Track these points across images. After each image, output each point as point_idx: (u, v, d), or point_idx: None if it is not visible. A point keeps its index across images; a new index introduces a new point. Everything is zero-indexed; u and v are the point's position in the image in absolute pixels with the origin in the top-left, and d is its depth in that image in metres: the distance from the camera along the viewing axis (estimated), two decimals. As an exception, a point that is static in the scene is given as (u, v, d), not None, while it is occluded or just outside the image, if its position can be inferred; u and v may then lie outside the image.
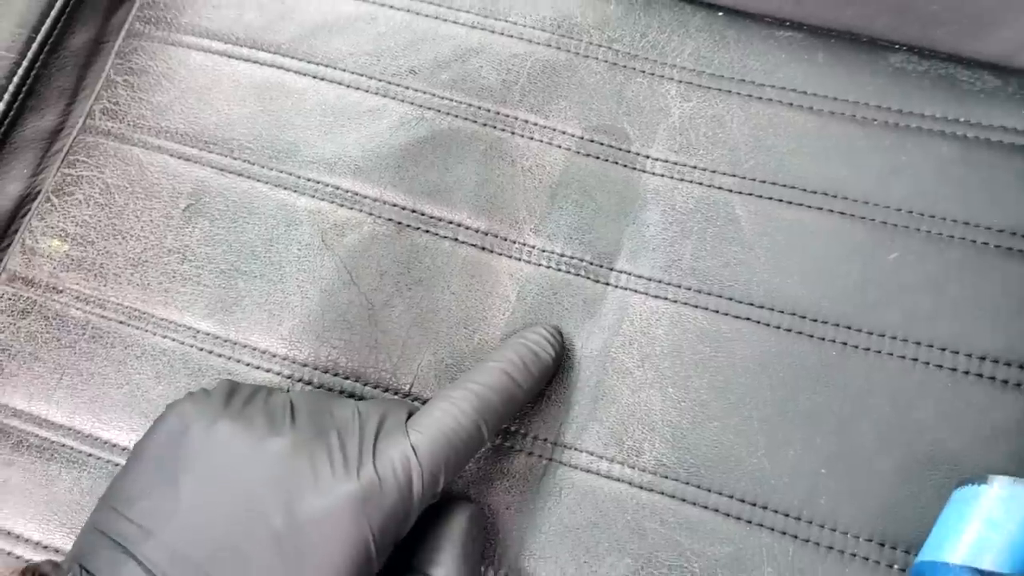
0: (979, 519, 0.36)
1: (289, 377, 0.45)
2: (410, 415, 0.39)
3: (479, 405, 0.39)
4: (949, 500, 0.38)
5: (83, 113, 0.53)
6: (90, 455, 0.44)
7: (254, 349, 0.45)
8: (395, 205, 0.47)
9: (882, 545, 0.40)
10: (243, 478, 0.35)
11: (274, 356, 0.45)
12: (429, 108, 0.49)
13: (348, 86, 0.50)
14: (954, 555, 0.36)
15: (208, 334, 0.46)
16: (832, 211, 0.45)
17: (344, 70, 0.50)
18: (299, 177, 0.48)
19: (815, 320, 0.43)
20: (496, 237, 0.47)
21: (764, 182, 0.46)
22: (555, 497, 0.42)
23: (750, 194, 0.46)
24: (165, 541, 0.34)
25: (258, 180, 0.48)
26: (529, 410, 0.44)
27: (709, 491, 0.42)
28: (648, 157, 0.47)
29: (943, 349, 0.42)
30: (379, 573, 0.36)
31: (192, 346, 0.46)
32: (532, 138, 0.48)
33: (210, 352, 0.45)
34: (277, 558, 0.34)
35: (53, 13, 0.53)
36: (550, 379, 0.44)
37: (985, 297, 0.43)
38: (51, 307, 0.47)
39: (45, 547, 0.44)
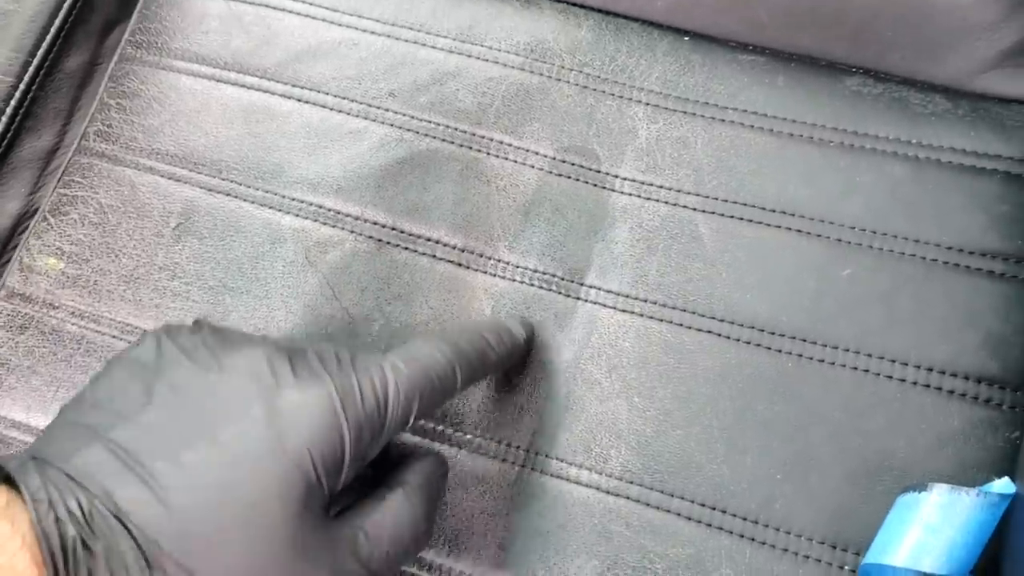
0: (920, 524, 0.38)
1: (274, 389, 0.47)
2: None
3: (455, 351, 0.40)
4: (893, 506, 0.40)
5: (78, 134, 0.55)
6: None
7: (240, 363, 0.48)
8: (375, 223, 0.50)
9: (834, 547, 0.42)
10: (220, 377, 0.36)
11: (259, 369, 0.47)
12: (408, 130, 0.51)
13: (331, 109, 0.52)
14: (896, 558, 0.38)
15: (197, 348, 0.48)
16: (790, 229, 0.47)
17: (327, 93, 0.52)
18: (284, 196, 0.50)
19: (773, 333, 0.45)
20: (472, 254, 0.49)
21: (726, 201, 0.48)
22: (527, 502, 0.45)
23: (713, 212, 0.48)
24: (137, 424, 0.35)
25: (244, 200, 0.51)
26: (502, 418, 0.46)
27: (672, 496, 0.44)
28: (617, 177, 0.49)
29: (893, 361, 0.44)
30: (344, 489, 0.37)
31: (181, 360, 0.48)
32: (506, 158, 0.50)
33: (199, 365, 0.48)
34: (254, 443, 0.34)
35: (48, 37, 0.56)
36: (521, 359, 0.46)
37: (934, 311, 0.45)
38: (48, 323, 0.49)
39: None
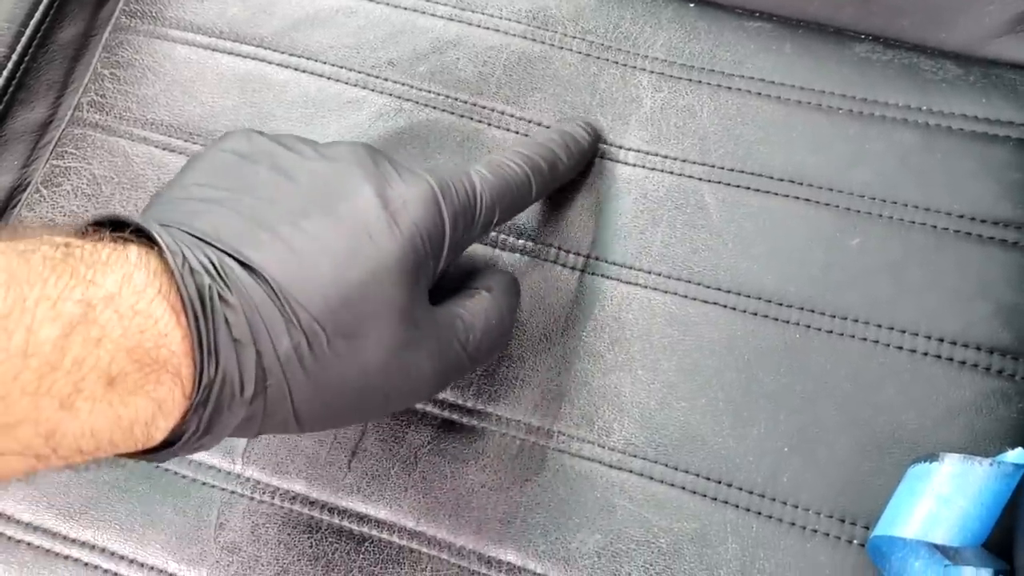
0: (931, 495, 0.37)
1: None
2: None
3: (530, 162, 0.43)
4: (904, 477, 0.39)
5: (72, 106, 0.54)
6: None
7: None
8: (374, 194, 0.49)
9: (842, 521, 0.41)
10: (324, 164, 0.38)
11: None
12: (407, 100, 0.50)
13: (328, 78, 0.51)
14: (907, 530, 0.37)
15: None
16: (798, 198, 0.46)
17: (325, 62, 0.51)
18: (280, 167, 0.49)
19: (780, 304, 0.45)
20: (472, 225, 0.48)
21: (732, 170, 0.47)
22: (528, 475, 0.44)
23: (719, 182, 0.47)
24: (253, 196, 0.36)
25: (241, 170, 0.50)
26: (503, 391, 0.45)
27: (676, 469, 0.43)
28: (621, 147, 0.49)
29: (903, 331, 0.43)
30: (435, 291, 0.39)
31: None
32: (508, 129, 0.49)
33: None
34: (371, 217, 0.36)
35: (41, 8, 0.55)
36: (588, 163, 0.48)
37: (944, 281, 0.44)
38: (40, 295, 0.48)
39: (35, 528, 0.45)
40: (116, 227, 0.33)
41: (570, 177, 0.47)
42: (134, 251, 0.31)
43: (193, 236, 0.34)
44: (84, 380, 0.28)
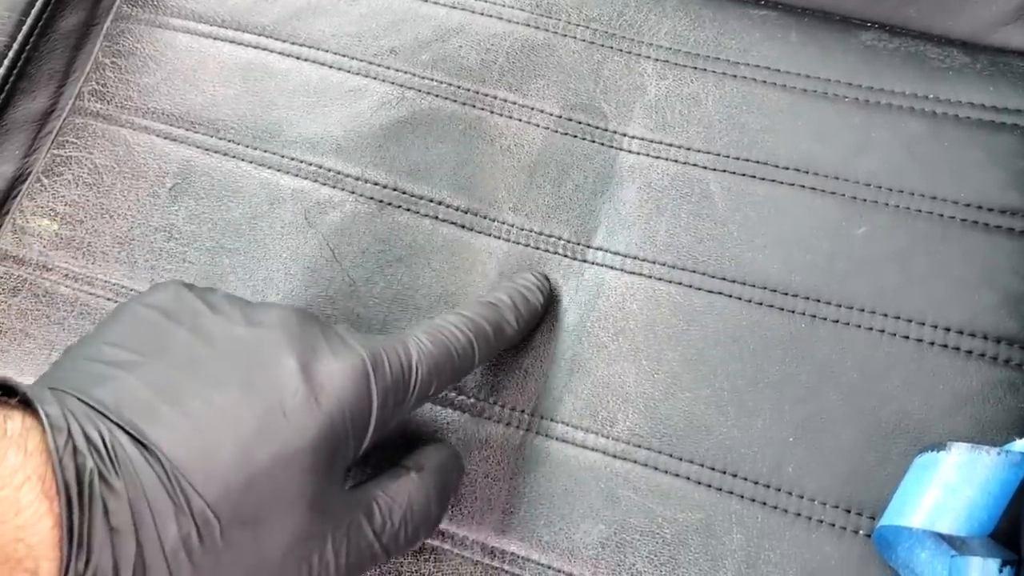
0: (938, 484, 0.37)
1: (272, 351, 0.46)
2: None
3: (473, 327, 0.41)
4: (910, 467, 0.39)
5: (73, 95, 0.54)
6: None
7: (238, 324, 0.46)
8: (376, 184, 0.48)
9: (848, 511, 0.41)
10: (249, 331, 0.36)
11: (257, 331, 0.46)
12: (410, 88, 0.50)
13: (330, 67, 0.51)
14: (914, 519, 0.37)
15: (193, 310, 0.47)
16: (803, 186, 0.46)
17: (327, 51, 0.51)
18: (282, 156, 0.49)
19: (785, 293, 0.44)
20: (475, 215, 0.48)
21: (738, 159, 0.47)
22: (531, 466, 0.44)
23: (724, 171, 0.47)
24: (166, 363, 0.34)
25: (242, 159, 0.49)
26: (507, 382, 0.45)
27: (680, 460, 0.43)
28: (625, 135, 0.48)
29: (909, 320, 0.43)
30: (360, 465, 0.37)
31: (178, 321, 0.47)
32: (511, 117, 0.49)
33: (195, 327, 0.47)
34: (290, 393, 0.34)
35: (42, -4, 0.55)
36: (537, 323, 0.45)
37: (950, 270, 0.43)
38: (41, 285, 0.48)
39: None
40: (7, 391, 0.31)
41: (519, 340, 0.44)
42: (17, 423, 0.29)
43: (89, 406, 0.32)
44: None
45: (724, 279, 0.45)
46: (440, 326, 0.40)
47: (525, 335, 0.45)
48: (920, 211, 0.44)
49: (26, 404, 0.31)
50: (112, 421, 0.31)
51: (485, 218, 0.48)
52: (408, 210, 0.48)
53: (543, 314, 0.45)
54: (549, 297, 0.46)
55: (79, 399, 0.32)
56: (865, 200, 0.45)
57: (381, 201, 0.48)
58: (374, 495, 0.37)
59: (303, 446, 0.33)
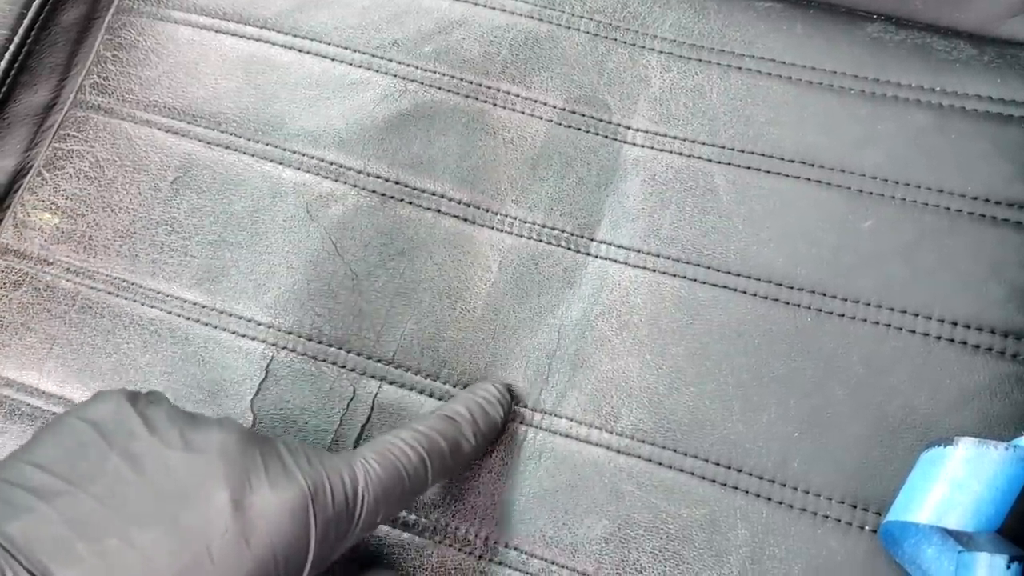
0: (945, 480, 0.37)
1: (274, 344, 0.46)
2: None
3: (426, 444, 0.38)
4: (917, 462, 0.39)
5: (75, 88, 0.53)
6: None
7: (239, 318, 0.46)
8: (379, 177, 0.48)
9: (854, 507, 0.41)
10: (185, 457, 0.34)
11: (259, 324, 0.46)
12: (412, 81, 0.50)
13: (333, 59, 0.50)
14: (920, 515, 0.37)
15: (195, 303, 0.47)
16: (809, 179, 0.45)
17: (329, 43, 0.51)
18: (284, 149, 0.49)
19: (791, 287, 0.44)
20: (478, 208, 0.47)
21: (742, 151, 0.46)
22: (535, 462, 0.43)
23: (728, 164, 0.46)
24: (88, 493, 0.32)
25: (244, 153, 0.49)
26: (510, 377, 0.45)
27: (685, 455, 0.43)
28: (629, 128, 0.48)
29: (916, 314, 0.43)
30: None
31: (179, 315, 0.46)
32: (514, 109, 0.49)
33: (196, 321, 0.46)
34: (217, 533, 0.32)
35: (43, -10, 0.54)
36: (497, 437, 0.43)
37: (957, 263, 0.43)
38: (42, 279, 0.48)
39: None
40: None
41: (476, 458, 0.43)
42: None
43: (1, 547, 0.30)
44: None
45: (729, 273, 0.45)
46: (391, 444, 0.38)
47: (483, 452, 0.43)
48: (926, 204, 0.44)
49: None
50: (19, 564, 0.30)
51: (488, 211, 0.47)
52: (410, 203, 0.48)
53: (502, 430, 0.43)
54: (509, 410, 0.44)
55: None
56: (871, 193, 0.45)
57: (383, 194, 0.48)
58: None
59: None
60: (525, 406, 0.44)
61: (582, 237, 0.46)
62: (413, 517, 0.43)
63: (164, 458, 0.33)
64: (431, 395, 0.45)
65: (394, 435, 0.38)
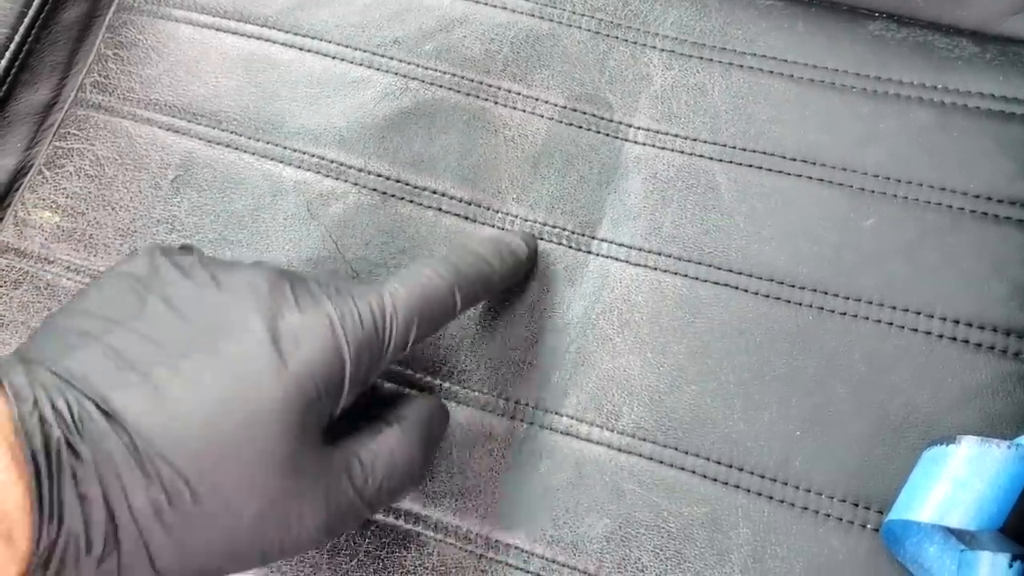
0: (947, 478, 0.37)
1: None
2: None
3: (454, 273, 0.39)
4: (919, 460, 0.39)
5: (75, 87, 0.53)
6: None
7: (240, 316, 0.46)
8: (380, 175, 0.48)
9: (856, 505, 0.41)
10: (218, 294, 0.36)
11: (260, 323, 0.46)
12: (413, 79, 0.50)
13: (333, 57, 0.50)
14: (922, 514, 0.37)
15: (195, 302, 0.47)
16: (810, 178, 0.45)
17: (330, 41, 0.51)
18: (285, 148, 0.49)
19: (792, 285, 0.44)
20: (479, 207, 0.47)
21: (744, 150, 0.46)
22: (535, 460, 0.43)
23: (730, 162, 0.46)
24: (133, 330, 0.34)
25: (245, 151, 0.49)
26: (511, 375, 0.45)
27: (686, 453, 0.42)
28: (630, 126, 0.48)
29: (918, 313, 0.43)
30: (341, 422, 0.37)
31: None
32: (515, 108, 0.49)
33: (197, 320, 0.46)
34: (256, 359, 0.34)
35: (44, -12, 0.54)
36: (523, 278, 0.45)
37: (960, 261, 0.43)
38: (43, 277, 0.48)
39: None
40: None
41: (503, 288, 0.44)
42: None
43: (58, 376, 0.32)
44: None
45: (730, 271, 0.45)
46: (417, 273, 0.39)
47: (509, 284, 0.44)
48: (928, 202, 0.44)
49: None
50: (79, 391, 0.32)
51: (489, 209, 0.47)
52: (411, 202, 0.48)
53: (530, 267, 0.45)
54: (535, 250, 0.45)
55: (48, 370, 0.32)
56: (873, 191, 0.44)
57: (384, 193, 0.48)
58: (354, 451, 0.37)
59: (272, 410, 0.33)
60: (526, 404, 0.44)
61: (583, 235, 0.46)
62: (415, 513, 0.43)
63: (199, 298, 0.35)
64: (432, 395, 0.45)
65: (421, 263, 0.40)
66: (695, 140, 0.47)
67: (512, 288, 0.46)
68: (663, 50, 0.49)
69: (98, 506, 0.30)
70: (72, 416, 0.31)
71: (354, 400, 0.37)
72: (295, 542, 0.35)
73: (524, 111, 0.48)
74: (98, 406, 0.31)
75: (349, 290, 0.37)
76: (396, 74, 0.50)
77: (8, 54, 0.53)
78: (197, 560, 0.33)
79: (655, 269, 0.45)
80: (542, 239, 0.46)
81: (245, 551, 0.34)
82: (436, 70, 0.50)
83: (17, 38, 0.53)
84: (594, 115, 0.48)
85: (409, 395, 0.41)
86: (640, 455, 0.43)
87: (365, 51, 0.50)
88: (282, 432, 0.33)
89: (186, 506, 0.32)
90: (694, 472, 0.42)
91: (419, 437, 0.39)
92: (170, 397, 0.32)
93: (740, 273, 0.44)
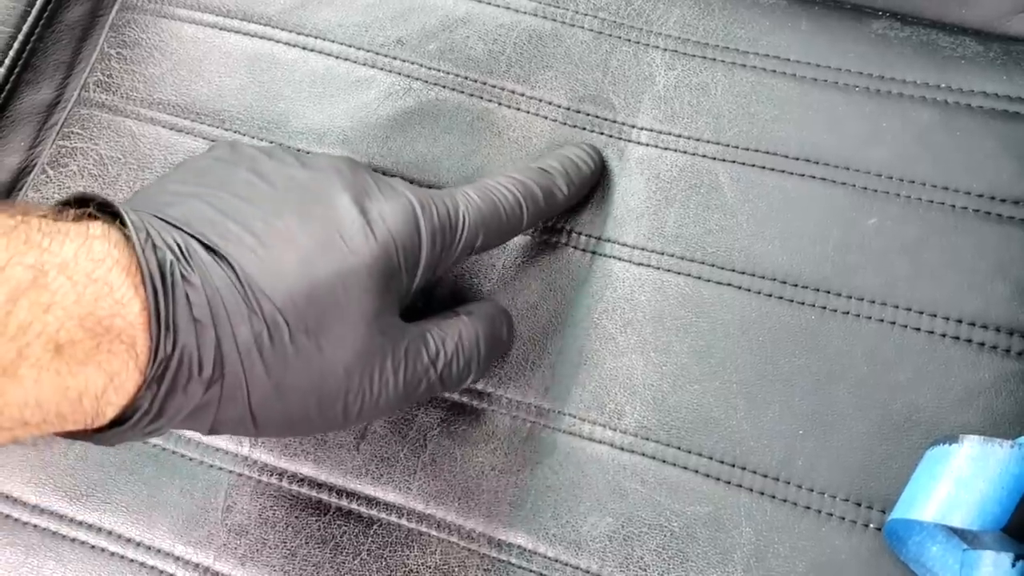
0: (950, 478, 0.37)
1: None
2: None
3: (522, 188, 0.42)
4: (921, 459, 0.39)
5: (78, 86, 0.53)
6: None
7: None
8: (384, 175, 0.48)
9: (858, 505, 0.41)
10: (304, 172, 0.38)
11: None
12: (416, 79, 0.50)
13: (337, 57, 0.50)
14: (925, 513, 0.37)
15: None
16: (813, 177, 0.45)
17: (333, 41, 0.51)
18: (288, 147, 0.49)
19: (795, 285, 0.44)
20: (482, 205, 0.47)
21: (747, 149, 0.46)
22: (538, 458, 0.43)
23: (733, 161, 0.46)
24: (230, 192, 0.36)
25: (248, 150, 0.49)
26: (514, 374, 0.45)
27: (689, 452, 0.42)
28: (633, 127, 0.48)
29: (921, 312, 0.42)
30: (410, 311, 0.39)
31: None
32: (519, 109, 0.49)
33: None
34: (346, 222, 0.36)
35: (47, -13, 0.54)
36: (589, 190, 0.46)
37: (963, 261, 0.43)
38: (46, 276, 0.48)
39: (42, 510, 0.45)
40: (82, 205, 0.32)
41: (570, 204, 0.45)
42: (97, 225, 0.31)
43: (162, 220, 0.33)
44: (29, 346, 0.27)
45: (733, 270, 0.45)
46: (489, 184, 0.41)
47: (575, 202, 0.45)
48: (932, 202, 0.44)
49: (104, 212, 0.32)
50: (185, 232, 0.33)
51: (492, 209, 0.47)
52: (415, 201, 0.48)
53: (593, 184, 0.46)
54: (600, 167, 0.46)
55: (153, 215, 0.33)
56: (876, 191, 0.44)
57: (387, 192, 0.48)
58: (428, 328, 0.39)
59: (360, 268, 0.35)
60: (529, 403, 0.44)
61: (587, 236, 0.46)
62: (418, 511, 0.43)
63: (287, 173, 0.37)
64: (434, 397, 0.45)
65: (491, 178, 0.42)
66: (698, 140, 0.47)
67: (515, 288, 0.46)
68: (666, 50, 0.49)
69: (209, 330, 0.32)
70: (181, 250, 0.32)
71: (424, 285, 0.39)
72: (375, 402, 0.37)
73: (527, 112, 0.49)
74: (203, 244, 0.33)
75: (423, 188, 0.39)
76: (399, 74, 0.50)
77: (11, 53, 0.53)
78: (287, 402, 0.34)
79: (658, 269, 0.45)
80: (547, 239, 0.46)
81: (331, 401, 0.36)
82: (439, 70, 0.50)
83: (20, 37, 0.53)
84: (597, 116, 0.48)
85: (479, 298, 0.45)
86: (643, 454, 0.43)
87: (368, 51, 0.50)
88: (369, 290, 0.35)
89: (284, 342, 0.33)
90: (697, 471, 0.42)
91: (484, 329, 0.41)
92: (268, 243, 0.34)
93: (743, 273, 0.44)
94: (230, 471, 0.45)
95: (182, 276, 0.31)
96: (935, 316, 0.42)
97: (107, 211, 0.32)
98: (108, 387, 0.30)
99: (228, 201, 0.35)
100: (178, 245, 0.32)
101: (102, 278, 0.29)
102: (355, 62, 0.50)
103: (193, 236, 0.33)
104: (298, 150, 0.49)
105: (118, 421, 0.31)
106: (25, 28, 0.53)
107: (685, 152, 0.47)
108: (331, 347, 0.35)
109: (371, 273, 0.35)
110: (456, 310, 0.42)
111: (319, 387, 0.35)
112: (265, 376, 0.33)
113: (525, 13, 0.50)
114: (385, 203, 0.37)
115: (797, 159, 0.46)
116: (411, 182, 0.48)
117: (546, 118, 0.48)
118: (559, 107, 0.49)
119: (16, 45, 0.53)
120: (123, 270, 0.30)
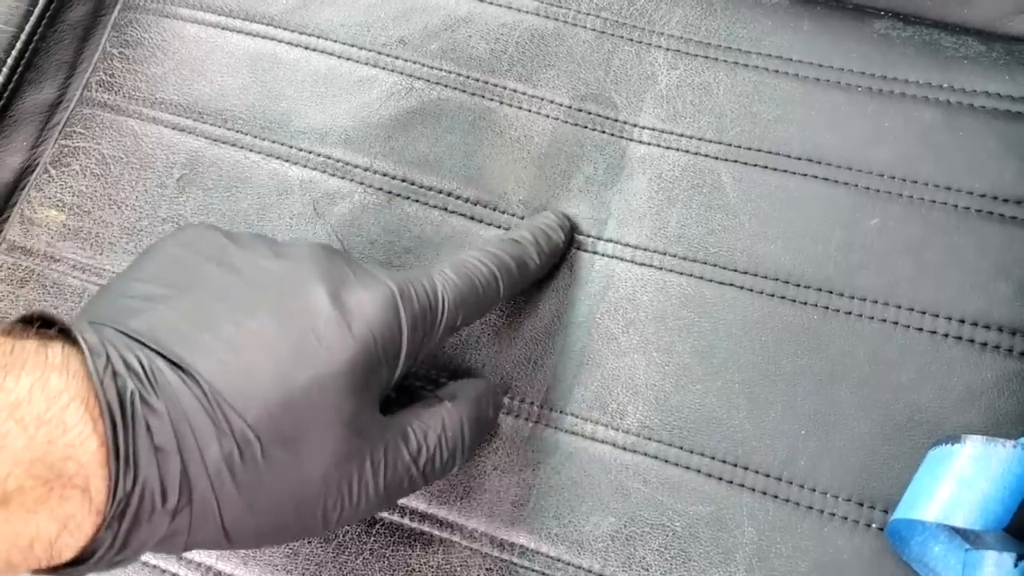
0: (952, 478, 0.37)
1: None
2: None
3: (497, 261, 0.41)
4: (924, 460, 0.39)
5: (81, 86, 0.53)
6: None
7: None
8: (385, 175, 0.48)
9: (860, 505, 0.41)
10: (278, 264, 0.36)
11: (266, 322, 0.46)
12: (419, 78, 0.50)
13: (339, 56, 0.50)
14: (927, 513, 0.37)
15: (201, 301, 0.47)
16: (816, 177, 0.45)
17: (335, 41, 0.51)
18: (291, 147, 0.49)
19: (797, 285, 0.44)
20: (484, 207, 0.47)
21: (749, 149, 0.46)
22: (540, 458, 0.43)
23: (735, 161, 0.46)
24: (199, 293, 0.35)
25: (250, 150, 0.49)
26: (516, 374, 0.45)
27: (691, 452, 0.42)
28: (635, 126, 0.48)
29: (923, 312, 0.42)
30: (391, 401, 0.38)
31: (185, 312, 0.46)
32: (520, 108, 0.49)
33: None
34: (322, 320, 0.34)
35: (50, -13, 0.54)
36: (560, 259, 0.46)
37: (965, 261, 0.43)
38: (49, 276, 0.48)
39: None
40: (45, 324, 0.32)
41: (542, 275, 0.45)
42: (57, 351, 0.30)
43: (125, 335, 0.32)
44: None
45: (735, 270, 0.45)
46: (464, 260, 0.41)
47: (546, 271, 0.45)
48: (934, 201, 0.44)
49: (65, 335, 0.31)
50: (150, 348, 0.32)
51: (494, 209, 0.47)
52: (417, 201, 0.48)
53: (564, 252, 0.46)
54: (570, 235, 0.46)
55: (116, 329, 0.32)
56: (878, 191, 0.44)
57: (390, 192, 0.48)
58: (408, 421, 0.38)
59: (338, 369, 0.34)
60: (531, 403, 0.44)
61: (589, 235, 0.46)
62: (420, 511, 0.43)
63: (258, 265, 0.36)
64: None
65: (466, 253, 0.41)
66: (700, 139, 0.47)
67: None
68: (668, 49, 0.49)
69: (173, 458, 0.30)
70: (144, 371, 0.31)
71: (406, 373, 0.38)
72: (355, 507, 0.35)
73: (529, 111, 0.49)
74: (169, 361, 0.32)
75: (400, 271, 0.39)
76: (401, 73, 0.50)
77: (14, 53, 0.53)
78: (263, 518, 0.33)
79: (660, 269, 0.45)
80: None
81: (310, 510, 0.34)
82: (441, 70, 0.50)
83: (23, 37, 0.53)
84: (599, 115, 0.48)
85: (458, 378, 0.44)
86: (645, 454, 0.43)
87: (370, 50, 0.50)
88: (347, 392, 0.34)
89: (256, 459, 0.32)
90: (699, 471, 0.42)
91: (469, 413, 0.40)
92: (240, 352, 0.33)
93: (745, 272, 0.44)
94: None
95: (143, 401, 0.30)
96: (937, 316, 0.42)
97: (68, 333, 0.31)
98: (62, 532, 0.29)
99: (196, 303, 0.34)
100: (141, 366, 0.31)
101: (56, 417, 0.28)
102: (357, 62, 0.50)
103: (158, 353, 0.32)
104: (299, 150, 0.49)
105: (79, 560, 0.30)
106: (28, 28, 0.53)
107: (687, 152, 0.47)
108: (308, 455, 0.33)
109: (350, 373, 0.34)
110: (439, 394, 0.41)
111: (296, 497, 0.34)
112: (237, 495, 0.32)
113: (527, 12, 0.50)
114: (364, 292, 0.36)
115: (800, 159, 0.46)
116: (412, 183, 0.48)
117: (548, 117, 0.48)
118: (561, 106, 0.49)
119: (19, 45, 0.53)
120: (81, 403, 0.29)
